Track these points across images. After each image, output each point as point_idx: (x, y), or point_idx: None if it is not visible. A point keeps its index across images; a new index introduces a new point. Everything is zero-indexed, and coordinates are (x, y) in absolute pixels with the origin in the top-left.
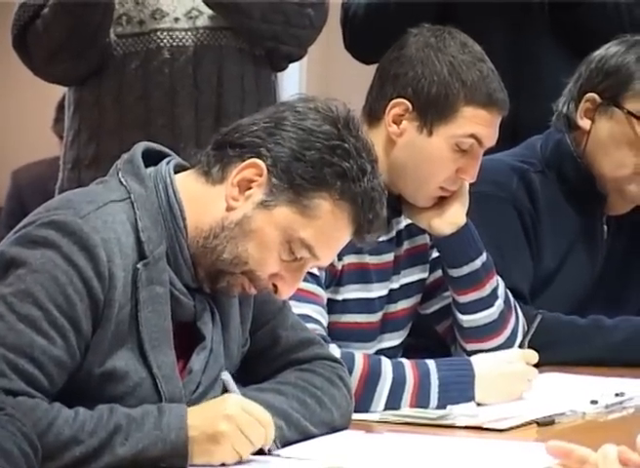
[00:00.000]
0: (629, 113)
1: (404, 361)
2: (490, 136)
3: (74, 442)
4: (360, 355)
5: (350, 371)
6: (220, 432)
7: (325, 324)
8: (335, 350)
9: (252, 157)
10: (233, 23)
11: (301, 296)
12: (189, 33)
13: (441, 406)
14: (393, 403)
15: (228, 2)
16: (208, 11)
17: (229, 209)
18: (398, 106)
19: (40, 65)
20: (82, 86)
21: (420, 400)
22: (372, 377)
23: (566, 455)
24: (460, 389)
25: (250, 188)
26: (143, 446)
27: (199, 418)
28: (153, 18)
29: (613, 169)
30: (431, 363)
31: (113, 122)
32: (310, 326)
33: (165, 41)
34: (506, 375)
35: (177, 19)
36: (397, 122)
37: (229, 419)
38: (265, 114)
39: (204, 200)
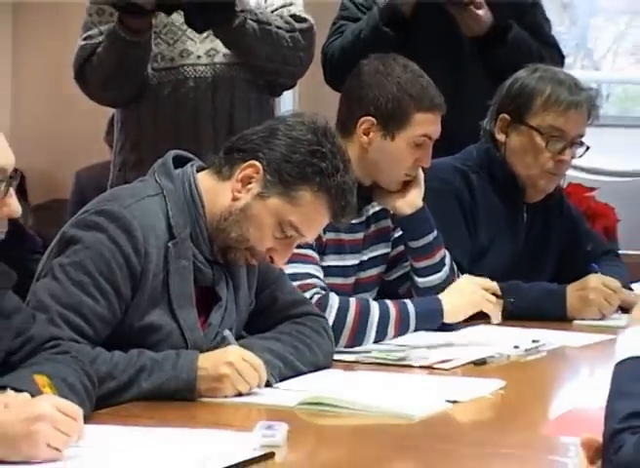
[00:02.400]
0: (531, 127)
1: (386, 300)
2: (436, 131)
3: (109, 377)
4: (353, 299)
5: (346, 312)
6: (223, 374)
7: (322, 277)
8: (334, 297)
9: (251, 159)
10: (243, 61)
11: (304, 259)
12: (209, 67)
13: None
14: (382, 332)
15: (241, 45)
16: (223, 50)
17: (234, 199)
18: (365, 123)
19: (94, 92)
20: (126, 107)
21: (402, 329)
22: (364, 312)
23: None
24: (432, 317)
25: (250, 183)
26: (162, 382)
27: (207, 363)
28: (181, 56)
29: (525, 170)
30: (408, 301)
31: (150, 135)
32: (312, 280)
33: (190, 73)
34: (467, 292)
35: (199, 57)
36: (366, 134)
37: (230, 365)
38: (264, 126)
39: (216, 192)
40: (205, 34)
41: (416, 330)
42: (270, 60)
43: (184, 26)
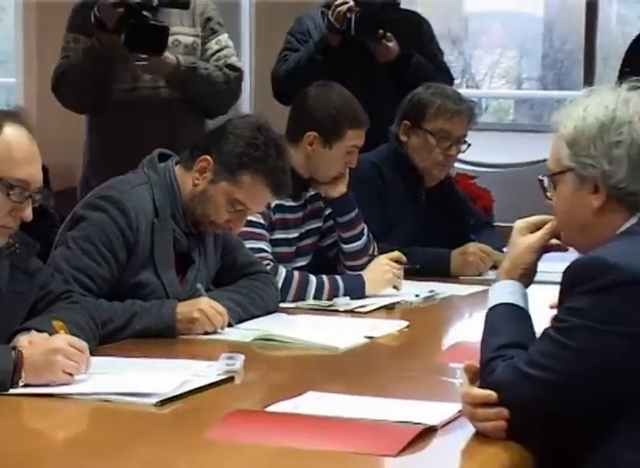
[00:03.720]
0: (426, 131)
1: (323, 275)
2: (362, 142)
3: (109, 321)
4: (296, 272)
5: (290, 281)
6: (195, 318)
7: (270, 252)
8: (281, 268)
9: (204, 154)
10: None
11: (258, 238)
12: (155, 90)
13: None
14: (318, 295)
15: (179, 86)
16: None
17: (194, 185)
18: (310, 136)
19: (68, 101)
20: (94, 116)
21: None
22: (304, 282)
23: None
24: (356, 290)
25: (205, 173)
26: (149, 324)
27: (183, 309)
28: (134, 80)
29: (422, 163)
30: (339, 277)
31: (111, 139)
32: (263, 254)
33: (141, 94)
34: (381, 271)
35: (147, 81)
36: (310, 144)
37: (200, 311)
38: (217, 125)
39: (185, 181)
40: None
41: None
42: (203, 99)
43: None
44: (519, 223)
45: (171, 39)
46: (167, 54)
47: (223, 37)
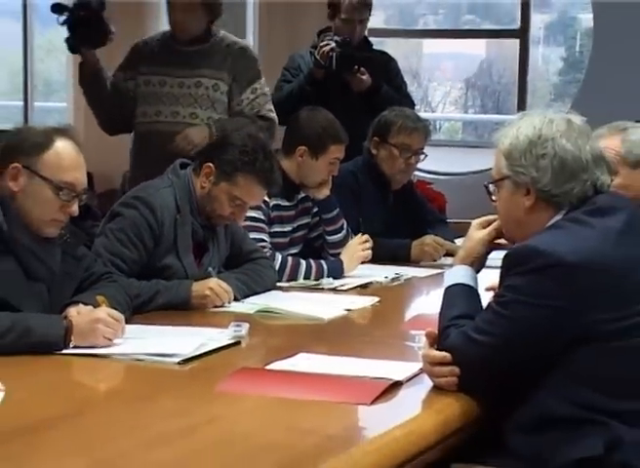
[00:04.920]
0: (391, 145)
1: (311, 260)
2: (342, 154)
3: (138, 296)
4: (290, 257)
5: (285, 265)
6: (207, 295)
7: (269, 241)
8: (278, 255)
9: (209, 162)
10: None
11: (260, 230)
12: (172, 124)
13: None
14: (307, 276)
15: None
16: (183, 112)
17: (202, 188)
18: (301, 150)
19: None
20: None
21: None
22: (296, 265)
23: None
24: (337, 271)
25: (209, 177)
26: (170, 299)
27: (196, 287)
28: (156, 114)
29: (389, 170)
30: (323, 262)
31: (141, 157)
32: (263, 243)
33: (162, 127)
34: (353, 253)
35: (166, 116)
36: (301, 156)
37: (211, 289)
38: (220, 134)
39: (197, 184)
40: (172, 100)
41: None
42: None
43: (162, 93)
44: (475, 221)
45: (203, 81)
46: (200, 126)
47: (259, 84)
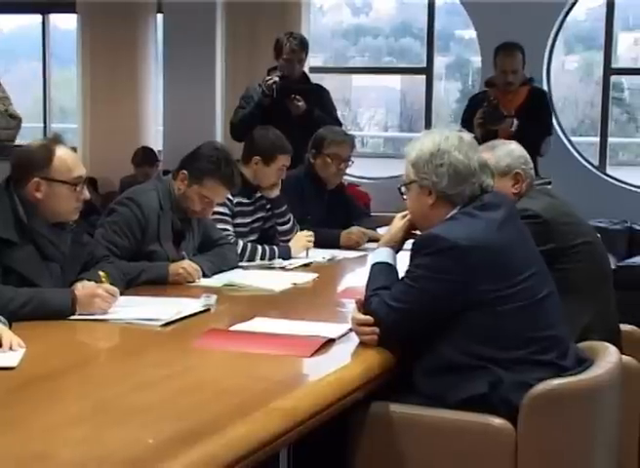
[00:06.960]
0: (325, 154)
1: (266, 245)
2: (288, 162)
3: (128, 273)
4: (249, 243)
5: (245, 249)
6: (180, 272)
7: (232, 231)
8: (240, 242)
9: (182, 170)
10: None
11: (226, 221)
12: None
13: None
14: (263, 258)
15: None
16: None
17: (178, 190)
18: (255, 159)
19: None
20: None
21: (272, 259)
22: (254, 250)
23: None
24: (286, 254)
25: (184, 181)
26: (151, 276)
27: (172, 267)
28: None
29: (324, 174)
30: (275, 247)
31: None
32: (228, 232)
33: None
34: (298, 241)
35: None
36: (256, 164)
37: (184, 268)
38: (196, 147)
39: (175, 186)
40: None
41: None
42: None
43: None
44: (399, 214)
45: None
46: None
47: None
